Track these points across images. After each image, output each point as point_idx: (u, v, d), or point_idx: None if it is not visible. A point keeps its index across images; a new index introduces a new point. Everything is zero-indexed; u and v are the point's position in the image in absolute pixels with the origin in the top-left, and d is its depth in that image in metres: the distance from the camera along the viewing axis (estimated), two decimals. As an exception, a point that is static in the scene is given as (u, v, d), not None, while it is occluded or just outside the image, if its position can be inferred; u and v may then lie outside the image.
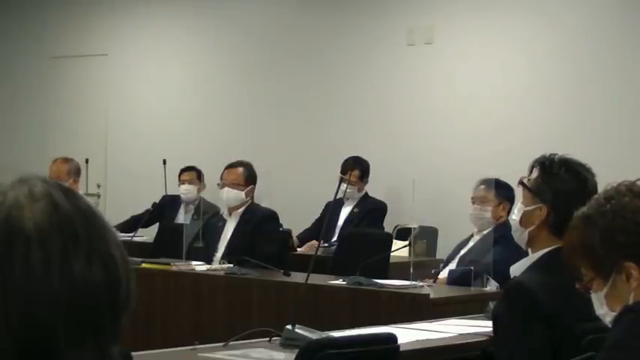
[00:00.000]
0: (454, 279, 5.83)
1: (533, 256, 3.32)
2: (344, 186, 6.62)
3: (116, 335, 1.18)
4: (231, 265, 6.30)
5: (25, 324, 1.11)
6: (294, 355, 3.55)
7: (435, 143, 8.45)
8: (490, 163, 7.62)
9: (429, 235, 7.88)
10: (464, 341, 4.40)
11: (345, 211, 8.04)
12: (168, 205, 8.80)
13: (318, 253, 5.34)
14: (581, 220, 2.36)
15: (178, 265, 6.41)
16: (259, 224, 6.83)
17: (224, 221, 7.03)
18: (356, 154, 8.21)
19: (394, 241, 7.30)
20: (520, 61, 8.15)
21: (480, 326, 4.53)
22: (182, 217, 8.60)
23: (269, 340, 4.13)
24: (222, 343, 4.06)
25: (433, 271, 6.08)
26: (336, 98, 9.05)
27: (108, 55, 10.46)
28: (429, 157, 8.42)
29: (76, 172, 7.99)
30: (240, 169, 7.03)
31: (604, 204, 2.32)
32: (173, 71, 10.10)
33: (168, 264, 6.44)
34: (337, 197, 6.66)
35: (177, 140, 9.82)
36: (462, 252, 6.11)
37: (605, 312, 2.33)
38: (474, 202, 6.15)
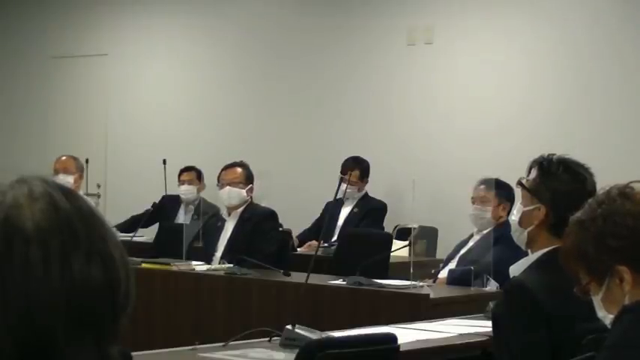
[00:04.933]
0: (454, 279, 5.83)
1: (532, 256, 3.32)
2: (344, 186, 6.62)
3: (116, 335, 1.18)
4: (231, 265, 6.31)
5: (25, 324, 1.12)
6: (294, 355, 3.55)
7: (435, 143, 8.45)
8: (490, 163, 7.62)
9: (429, 235, 7.88)
10: (464, 341, 4.40)
11: (345, 211, 8.04)
12: (168, 205, 8.80)
13: (318, 253, 5.34)
14: (575, 225, 2.36)
15: (178, 265, 6.42)
16: (259, 224, 6.83)
17: (223, 221, 7.03)
18: (356, 154, 8.21)
19: (394, 241, 7.29)
20: (520, 61, 8.15)
21: (480, 326, 4.53)
22: (182, 217, 8.61)
23: (269, 340, 4.13)
24: (222, 343, 4.06)
25: (433, 271, 6.09)
26: (336, 98, 9.05)
27: (108, 55, 10.46)
28: (429, 157, 8.42)
29: (82, 169, 8.22)
30: (239, 169, 7.05)
31: (595, 208, 2.33)
32: (173, 71, 10.10)
33: (169, 264, 6.44)
34: (337, 197, 6.67)
35: (177, 140, 9.82)
36: (462, 252, 6.11)
37: (604, 315, 2.33)
38: (474, 202, 6.15)
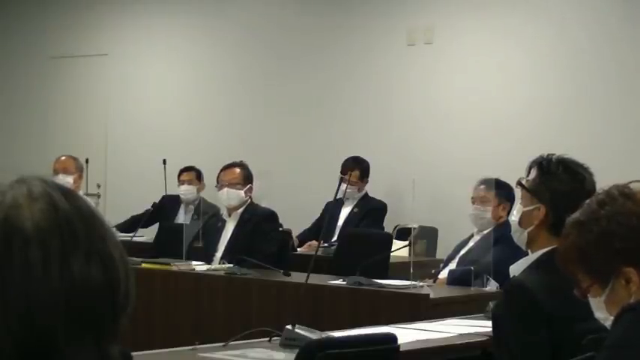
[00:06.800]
0: (454, 279, 5.83)
1: (532, 256, 3.32)
2: (344, 186, 6.62)
3: (116, 335, 1.18)
4: (231, 265, 6.31)
5: (24, 324, 1.12)
6: (294, 355, 3.55)
7: (435, 143, 8.45)
8: (490, 163, 7.62)
9: (429, 235, 7.88)
10: (464, 341, 4.40)
11: (345, 211, 8.04)
12: (168, 205, 8.80)
13: (318, 253, 5.34)
14: (575, 227, 2.32)
15: (178, 265, 6.42)
16: (259, 224, 6.83)
17: (224, 221, 7.04)
18: (356, 154, 8.21)
19: (394, 241, 7.29)
20: (520, 60, 8.15)
21: (480, 326, 4.53)
22: (182, 217, 8.61)
23: (269, 340, 4.13)
24: (222, 343, 4.06)
25: (433, 271, 6.09)
26: (336, 98, 9.05)
27: (108, 55, 10.47)
28: (429, 157, 8.42)
29: (81, 169, 8.18)
30: (238, 169, 7.04)
31: (597, 209, 2.29)
32: (173, 71, 10.10)
33: (169, 264, 6.45)
34: (337, 197, 6.67)
35: (177, 140, 9.83)
36: (462, 252, 6.11)
37: (604, 316, 2.31)
38: (474, 202, 6.15)
